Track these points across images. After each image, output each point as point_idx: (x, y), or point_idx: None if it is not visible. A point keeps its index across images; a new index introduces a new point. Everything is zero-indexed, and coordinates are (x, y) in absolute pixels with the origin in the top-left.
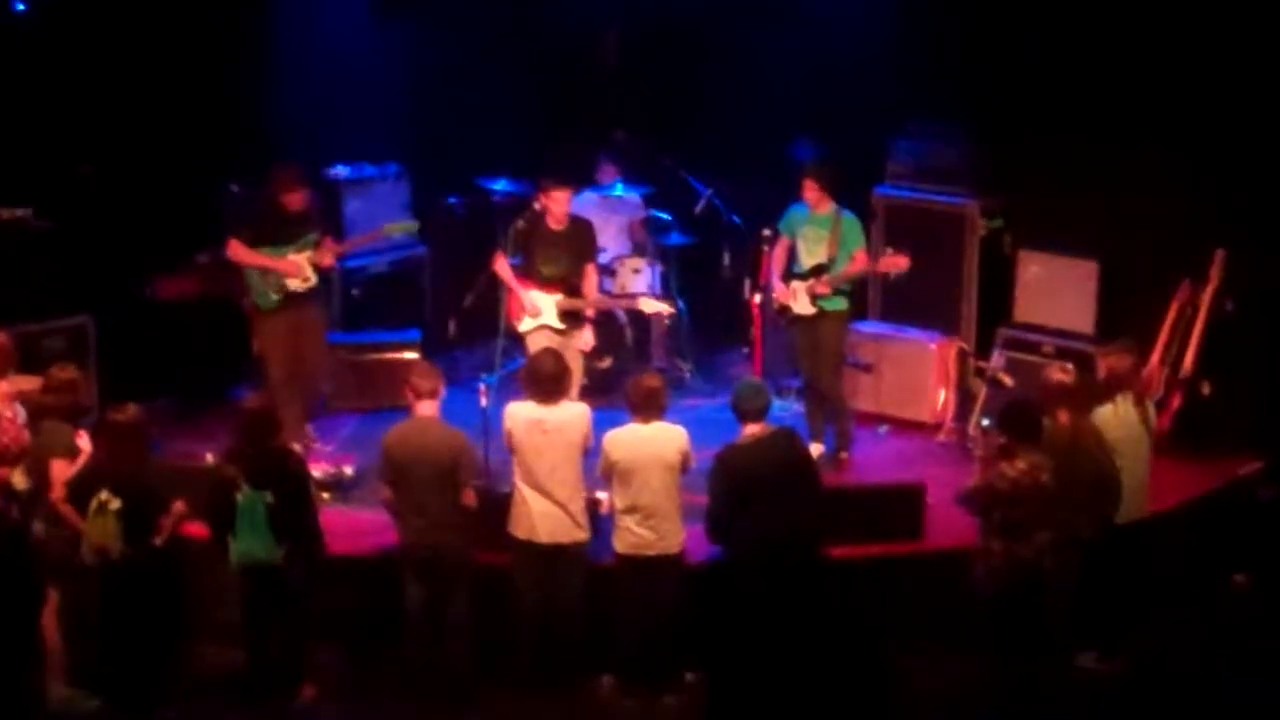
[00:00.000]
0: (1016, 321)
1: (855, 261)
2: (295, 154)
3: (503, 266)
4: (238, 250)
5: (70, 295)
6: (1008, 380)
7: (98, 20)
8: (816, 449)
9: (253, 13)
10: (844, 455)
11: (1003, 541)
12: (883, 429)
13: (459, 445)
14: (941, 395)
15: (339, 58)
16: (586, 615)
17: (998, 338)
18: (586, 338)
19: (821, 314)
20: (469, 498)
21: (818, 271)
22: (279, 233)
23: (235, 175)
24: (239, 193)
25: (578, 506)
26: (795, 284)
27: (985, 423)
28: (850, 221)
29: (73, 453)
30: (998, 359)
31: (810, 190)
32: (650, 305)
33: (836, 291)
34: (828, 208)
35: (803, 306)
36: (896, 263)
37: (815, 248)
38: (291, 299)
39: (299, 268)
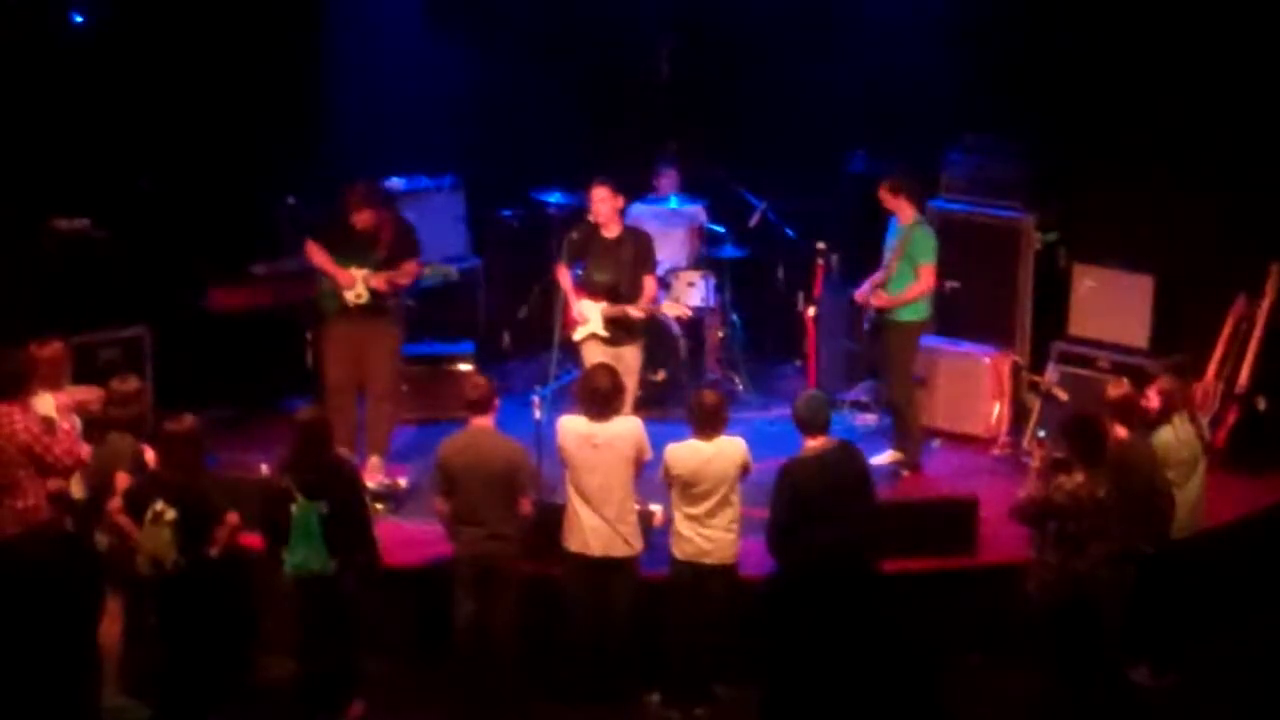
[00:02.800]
0: (1071, 335)
1: (918, 278)
2: (350, 165)
3: (564, 276)
4: (311, 250)
5: (127, 305)
6: (1062, 394)
7: (154, 32)
8: (892, 456)
9: (308, 24)
10: (906, 473)
11: (1057, 555)
12: (936, 442)
13: (516, 455)
14: (995, 409)
15: (394, 69)
16: (638, 629)
17: (1052, 352)
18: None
19: (886, 324)
20: (525, 507)
21: (882, 285)
22: (343, 246)
23: (292, 187)
24: (295, 204)
25: (628, 523)
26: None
27: (1041, 434)
28: (922, 236)
29: (138, 466)
30: (1052, 373)
31: (883, 195)
32: (672, 308)
33: (901, 306)
34: (908, 218)
35: (871, 313)
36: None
37: (887, 257)
38: (352, 310)
39: (353, 281)
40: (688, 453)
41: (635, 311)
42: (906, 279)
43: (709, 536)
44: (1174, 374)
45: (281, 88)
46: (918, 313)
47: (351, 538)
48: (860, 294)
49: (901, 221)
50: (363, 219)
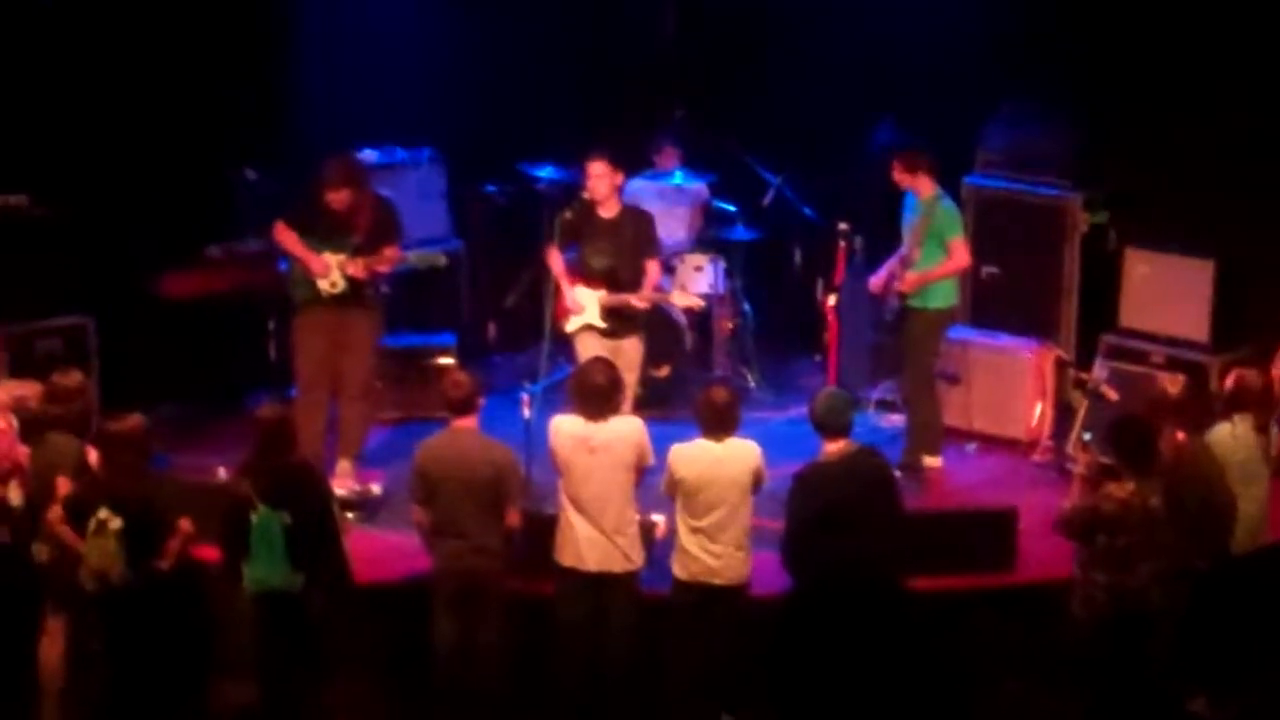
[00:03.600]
0: (1122, 327)
1: (949, 254)
2: (317, 135)
3: (555, 260)
4: (280, 232)
5: (69, 291)
6: (1111, 393)
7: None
8: (933, 462)
9: None
10: (912, 470)
11: (1105, 572)
12: (971, 446)
13: (502, 460)
14: (1037, 409)
15: (366, 28)
16: (637, 653)
17: (1101, 346)
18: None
19: (908, 312)
20: (513, 519)
21: (905, 263)
22: (316, 229)
23: (253, 159)
24: (257, 178)
25: (628, 536)
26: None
27: (1086, 436)
28: (946, 210)
29: (81, 469)
30: (1100, 369)
31: (896, 172)
32: (682, 299)
33: (936, 288)
34: (927, 193)
35: (893, 301)
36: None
37: (908, 237)
38: (327, 301)
39: (327, 268)
40: (694, 455)
41: (636, 301)
42: (935, 259)
43: (716, 553)
44: (1262, 371)
45: (242, 49)
46: (946, 298)
47: (318, 551)
48: (876, 282)
49: (921, 197)
50: (339, 199)
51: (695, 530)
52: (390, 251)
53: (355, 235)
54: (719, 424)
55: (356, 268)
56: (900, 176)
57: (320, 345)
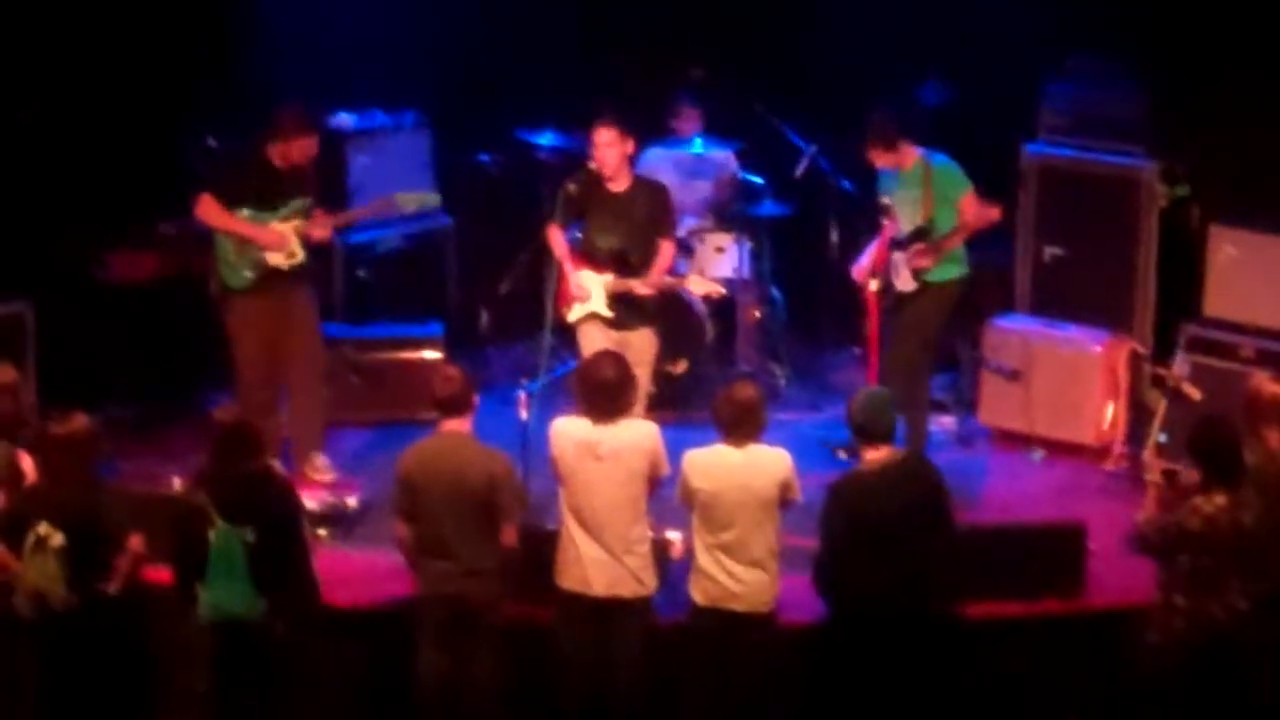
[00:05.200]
0: (1206, 317)
1: (963, 214)
2: (285, 97)
3: (556, 239)
4: (209, 210)
5: (4, 275)
6: (1194, 392)
7: None
8: None
9: None
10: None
11: (1187, 596)
12: (1037, 454)
13: (497, 469)
14: (1109, 411)
15: None
16: (648, 688)
17: (1181, 337)
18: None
19: (925, 288)
20: (509, 537)
21: (917, 237)
22: (263, 194)
23: (211, 126)
24: (217, 147)
25: (639, 556)
26: (895, 256)
27: (1163, 438)
28: (943, 169)
29: (13, 477)
30: (1181, 364)
31: (876, 155)
32: (700, 285)
33: (946, 259)
34: (911, 160)
35: (904, 283)
36: (987, 215)
37: (912, 211)
38: (271, 278)
39: (283, 239)
40: (712, 463)
41: (640, 287)
42: (948, 225)
43: (738, 575)
44: None
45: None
46: (961, 267)
47: (284, 572)
48: (861, 269)
49: (905, 167)
50: (303, 148)
51: (713, 548)
52: (361, 206)
53: (306, 193)
54: (740, 426)
55: (322, 228)
56: (882, 158)
57: (266, 335)
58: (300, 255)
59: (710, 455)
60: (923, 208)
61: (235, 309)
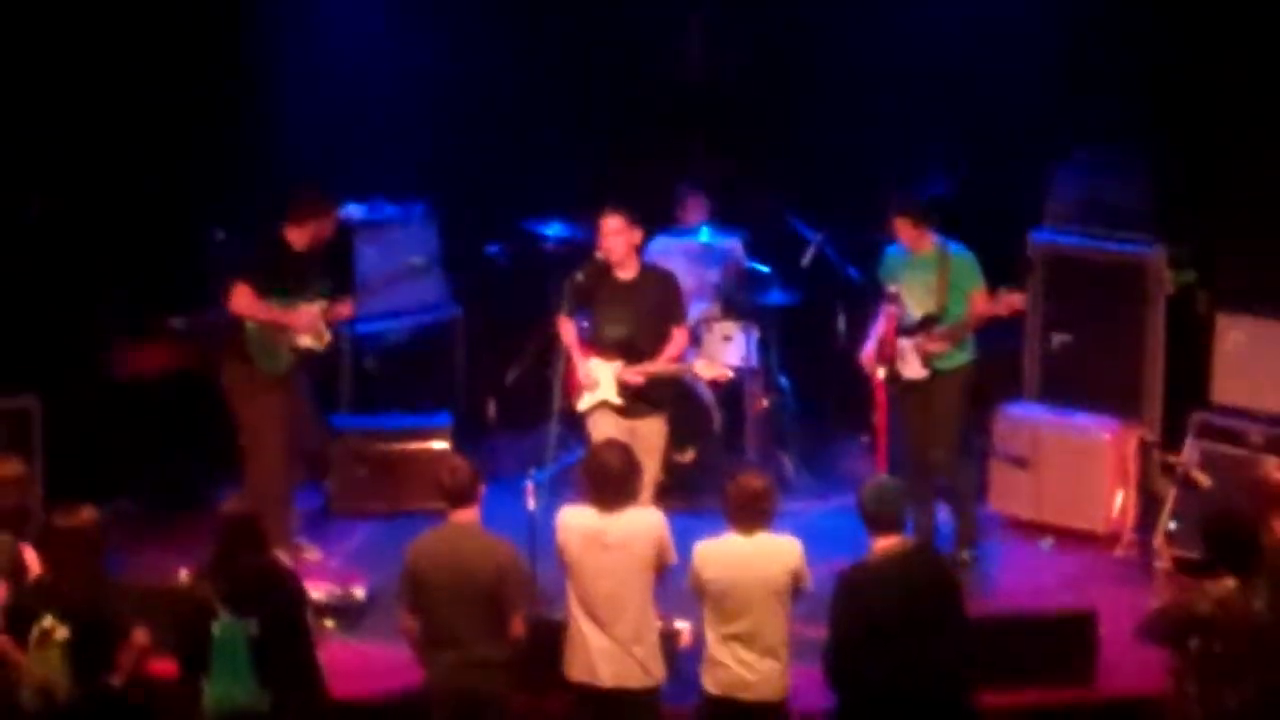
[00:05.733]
0: (1215, 403)
1: (974, 305)
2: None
3: (566, 329)
4: (246, 300)
5: (11, 368)
6: (1204, 479)
7: (56, 20)
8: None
9: (244, 20)
10: (966, 555)
11: (1199, 683)
12: (1046, 542)
13: (505, 560)
14: (1118, 498)
15: (351, 68)
16: None
17: (1191, 424)
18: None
19: (935, 376)
20: (517, 628)
21: (927, 324)
22: (287, 278)
23: (221, 218)
24: (225, 240)
25: (647, 645)
26: (902, 342)
27: (1172, 527)
28: (961, 258)
29: (16, 571)
30: (1191, 451)
31: (903, 229)
32: (707, 369)
33: (956, 347)
34: (929, 245)
35: (913, 370)
36: (1010, 302)
37: (923, 296)
38: (289, 368)
39: (314, 322)
40: (722, 552)
41: (630, 376)
42: (959, 314)
43: (752, 664)
44: None
45: (208, 93)
46: (970, 352)
47: (289, 665)
48: (869, 355)
49: (921, 252)
50: (311, 233)
51: (726, 639)
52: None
53: (325, 275)
54: (750, 515)
55: (345, 308)
56: (907, 232)
57: (286, 423)
58: (328, 337)
59: (721, 545)
60: (937, 295)
61: (263, 397)
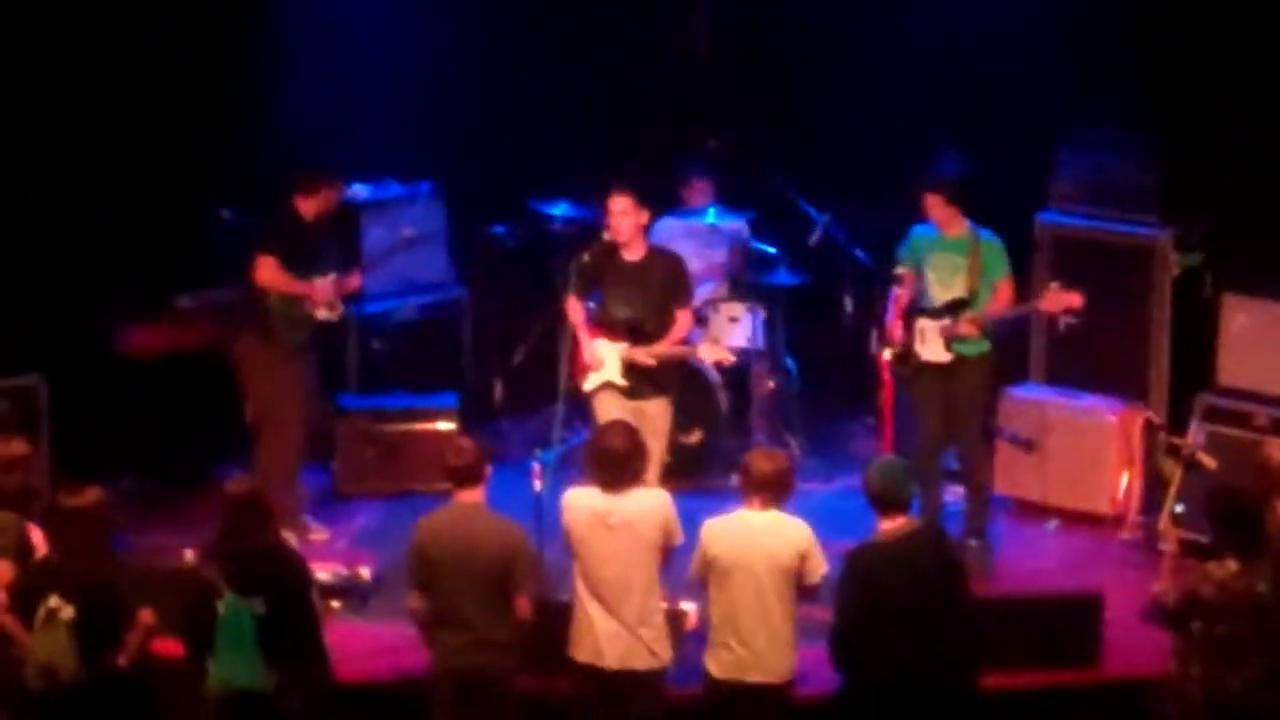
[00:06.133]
0: (1220, 386)
1: (1000, 294)
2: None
3: (574, 310)
4: (271, 272)
5: (17, 347)
6: (1210, 461)
7: (57, 4)
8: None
9: None
10: (974, 543)
11: (1204, 667)
12: (1051, 524)
13: (512, 540)
14: (1124, 480)
15: (357, 51)
16: None
17: (1196, 406)
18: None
19: (960, 361)
20: (524, 608)
21: (955, 309)
22: (302, 250)
23: (227, 197)
24: (231, 219)
25: (653, 627)
26: (923, 323)
27: (1178, 510)
28: (991, 244)
29: (23, 550)
30: (1197, 434)
31: (936, 207)
32: (710, 352)
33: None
34: (961, 228)
35: (934, 352)
36: (1067, 300)
37: (950, 279)
38: (306, 339)
39: (330, 293)
40: (732, 525)
41: (642, 356)
42: (988, 298)
43: (755, 645)
44: None
45: (213, 71)
46: (990, 342)
47: (295, 645)
48: (898, 334)
49: (952, 233)
50: (320, 203)
51: (730, 617)
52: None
53: (333, 246)
54: (766, 490)
55: (354, 281)
56: (940, 210)
57: (300, 399)
58: (341, 308)
59: (732, 520)
60: (967, 279)
61: (278, 372)
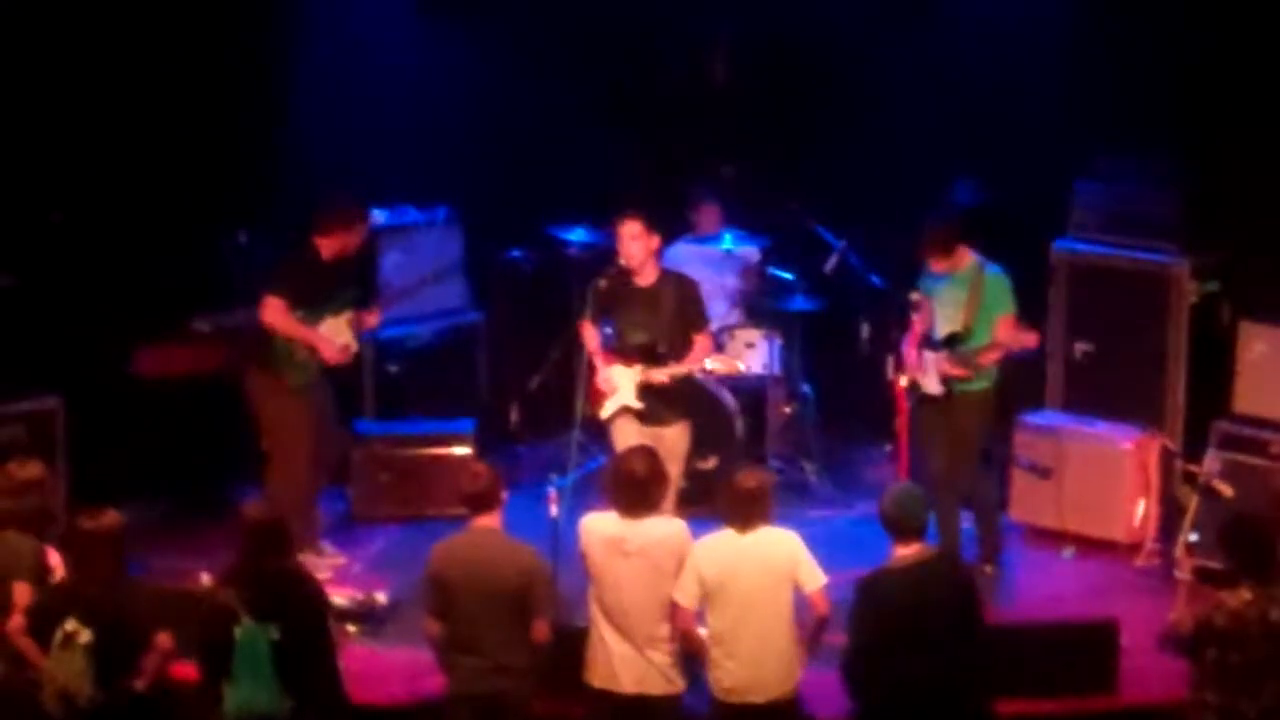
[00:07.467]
0: (1237, 413)
1: (996, 335)
2: (319, 194)
3: (590, 335)
4: (278, 315)
5: (35, 370)
6: (1226, 489)
7: (75, 26)
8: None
9: (267, 18)
10: (989, 569)
11: (1220, 694)
12: (1068, 551)
13: (529, 566)
14: (1140, 508)
15: (375, 74)
16: None
17: (1213, 434)
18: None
19: (956, 396)
20: (541, 632)
21: (951, 342)
22: (317, 291)
23: (244, 221)
24: (248, 242)
25: (666, 653)
26: (927, 354)
27: (1194, 537)
28: (995, 279)
29: (40, 574)
30: (1213, 461)
31: (935, 263)
32: (718, 364)
33: (976, 375)
34: (966, 262)
35: (931, 384)
36: (1022, 339)
37: (951, 311)
38: (317, 375)
39: (340, 347)
40: (720, 545)
41: (667, 370)
42: (984, 337)
43: (749, 663)
44: None
45: (233, 96)
46: (990, 379)
47: (311, 669)
48: (912, 362)
49: (958, 269)
50: (342, 244)
51: (725, 640)
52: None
53: (353, 285)
54: (741, 512)
55: (374, 315)
56: (939, 263)
57: (310, 429)
58: (355, 347)
59: (721, 538)
60: (965, 311)
61: (288, 402)
